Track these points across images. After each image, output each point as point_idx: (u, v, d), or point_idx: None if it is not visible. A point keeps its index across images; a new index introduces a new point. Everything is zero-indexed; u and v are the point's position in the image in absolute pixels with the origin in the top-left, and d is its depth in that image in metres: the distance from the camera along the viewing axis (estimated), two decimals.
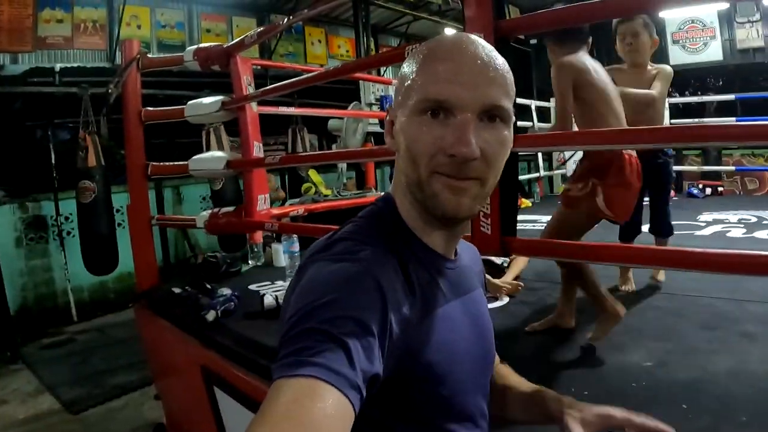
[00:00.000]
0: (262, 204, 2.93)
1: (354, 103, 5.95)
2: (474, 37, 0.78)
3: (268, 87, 2.63)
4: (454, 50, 0.75)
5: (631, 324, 1.72)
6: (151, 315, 2.66)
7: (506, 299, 2.10)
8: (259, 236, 3.49)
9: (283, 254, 2.95)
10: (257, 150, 2.91)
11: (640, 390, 1.31)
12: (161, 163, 3.16)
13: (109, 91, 2.92)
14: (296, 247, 2.81)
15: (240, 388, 1.76)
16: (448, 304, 0.82)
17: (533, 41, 10.41)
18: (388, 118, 0.84)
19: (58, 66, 6.31)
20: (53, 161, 5.96)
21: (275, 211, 3.27)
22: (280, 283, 2.67)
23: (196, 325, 2.14)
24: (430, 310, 0.78)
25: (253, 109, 2.88)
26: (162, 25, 7.11)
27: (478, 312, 0.90)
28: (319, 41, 8.82)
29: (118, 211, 5.87)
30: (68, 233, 6.08)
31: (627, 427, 0.84)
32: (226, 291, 2.42)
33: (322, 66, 7.66)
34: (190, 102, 2.94)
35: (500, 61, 0.76)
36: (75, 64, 6.40)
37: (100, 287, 6.28)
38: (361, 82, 6.33)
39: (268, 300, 2.21)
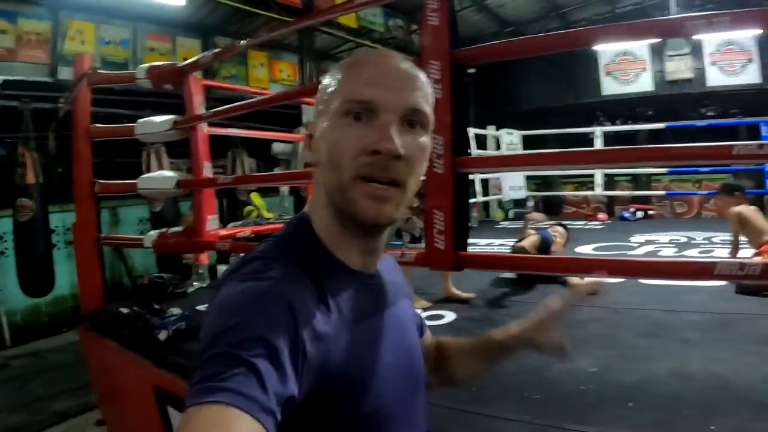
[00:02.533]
0: (212, 224, 2.93)
1: (301, 126, 6.02)
2: (393, 51, 0.83)
3: (220, 108, 2.65)
4: (378, 58, 0.79)
5: (575, 334, 1.82)
6: (96, 336, 2.60)
7: (454, 315, 2.17)
8: (205, 257, 3.46)
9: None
10: (207, 170, 2.91)
11: (589, 393, 1.39)
12: (109, 181, 3.10)
13: (60, 105, 2.87)
14: None
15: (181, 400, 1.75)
16: (368, 320, 0.81)
17: (471, 70, 10.81)
18: (306, 132, 0.84)
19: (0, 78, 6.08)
20: None
21: (223, 231, 3.26)
22: None
23: (148, 345, 2.11)
24: (348, 325, 0.76)
25: (204, 129, 2.89)
26: (106, 41, 6.96)
27: (401, 326, 0.89)
28: (262, 65, 8.82)
29: (53, 231, 5.68)
30: (1, 253, 5.81)
31: (568, 303, 0.94)
32: (176, 311, 2.40)
33: (264, 89, 7.68)
34: (140, 120, 2.92)
35: (421, 72, 0.79)
36: (16, 77, 6.19)
37: (33, 310, 6.02)
38: (303, 106, 6.41)
39: None
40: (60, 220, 6.24)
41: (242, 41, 2.43)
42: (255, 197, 6.78)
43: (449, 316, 2.16)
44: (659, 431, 1.19)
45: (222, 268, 3.09)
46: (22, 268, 5.26)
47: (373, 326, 0.81)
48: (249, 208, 6.69)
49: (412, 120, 0.75)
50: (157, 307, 2.60)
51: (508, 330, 0.98)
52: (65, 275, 5.80)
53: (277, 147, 6.12)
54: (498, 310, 2.23)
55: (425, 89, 0.78)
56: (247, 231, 3.69)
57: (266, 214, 6.52)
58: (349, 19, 8.24)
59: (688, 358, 1.59)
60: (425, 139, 0.78)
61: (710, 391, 1.36)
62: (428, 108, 0.77)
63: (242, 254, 0.81)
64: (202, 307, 2.60)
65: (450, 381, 1.07)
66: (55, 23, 6.48)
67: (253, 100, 2.40)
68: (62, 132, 3.32)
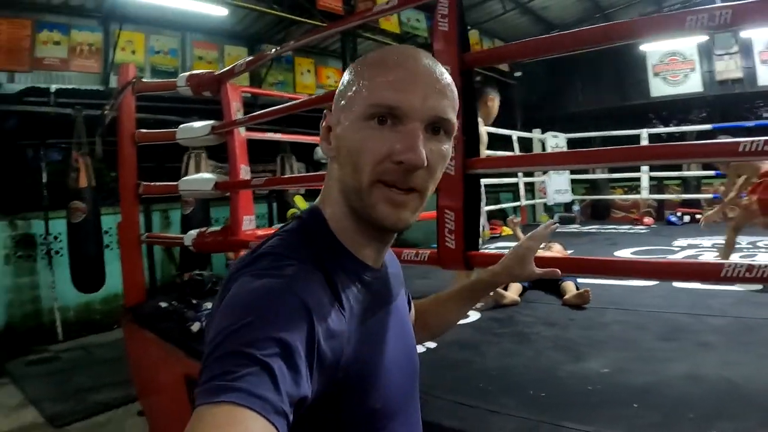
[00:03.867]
0: (248, 224, 3.04)
1: None
2: (422, 50, 0.80)
3: (255, 113, 2.76)
4: (407, 59, 0.76)
5: (594, 336, 1.84)
6: (137, 329, 2.74)
7: (478, 315, 2.21)
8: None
9: None
10: (244, 173, 3.02)
11: (595, 393, 1.40)
12: (152, 183, 3.26)
13: (105, 112, 3.04)
14: None
15: None
16: (377, 316, 0.81)
17: (517, 74, 10.75)
18: (324, 123, 0.83)
19: (53, 87, 6.40)
20: (44, 181, 6.02)
21: (260, 232, 3.37)
22: None
23: (181, 336, 2.22)
24: (361, 323, 0.76)
25: (241, 134, 3.01)
26: (156, 51, 7.26)
27: (402, 320, 0.91)
28: (309, 71, 9.01)
29: (106, 232, 5.95)
30: (57, 252, 6.12)
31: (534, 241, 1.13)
32: (209, 305, 2.50)
33: (310, 95, 7.85)
34: (181, 125, 3.06)
35: (448, 75, 0.78)
36: (70, 86, 6.51)
37: (86, 307, 6.30)
38: None
39: None
40: (112, 221, 6.52)
41: (272, 49, 2.52)
42: (299, 200, 6.93)
43: (473, 315, 2.19)
44: None
45: None
46: (75, 267, 5.52)
47: (381, 322, 0.82)
48: (292, 210, 6.85)
49: (437, 127, 0.75)
50: (194, 301, 2.72)
51: (493, 269, 1.15)
52: (117, 274, 6.05)
53: (320, 151, 6.21)
54: (520, 311, 2.25)
55: (453, 95, 0.77)
56: None
57: None
58: (391, 25, 8.29)
59: (704, 361, 1.58)
60: (448, 147, 0.78)
61: (720, 395, 1.35)
62: (453, 115, 0.77)
63: (252, 248, 0.79)
64: None
65: (431, 336, 1.22)
66: (106, 34, 6.81)
67: (282, 105, 2.48)
68: (109, 138, 3.49)
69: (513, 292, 2.49)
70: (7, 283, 5.83)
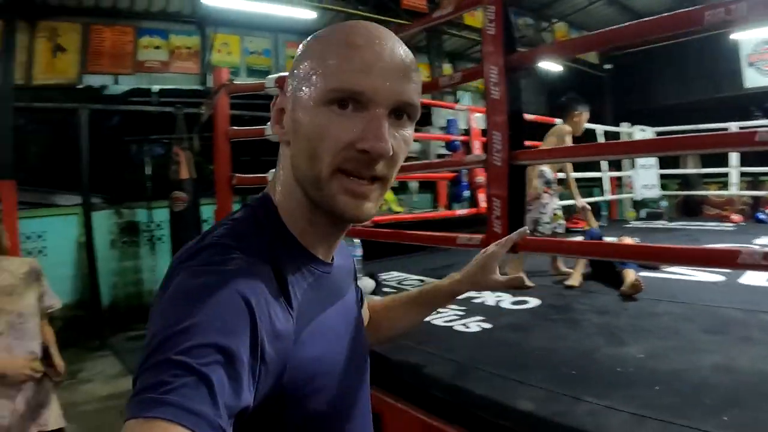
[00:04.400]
0: None
1: (425, 127, 6.27)
2: (386, 29, 0.73)
3: None
4: (372, 40, 0.69)
5: (641, 325, 1.90)
6: None
7: (539, 301, 2.32)
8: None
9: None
10: None
11: (622, 374, 1.47)
12: (244, 175, 3.57)
13: (202, 111, 3.37)
14: (358, 251, 3.06)
15: None
16: (326, 312, 0.77)
17: (607, 66, 10.46)
18: (276, 105, 0.76)
19: (155, 87, 7.03)
20: (147, 173, 6.62)
21: None
22: None
23: None
24: (309, 321, 0.72)
25: None
26: (250, 51, 7.77)
27: (352, 316, 0.87)
28: None
29: (205, 221, 6.43)
30: (159, 239, 6.70)
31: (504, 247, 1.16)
32: None
33: None
34: (269, 123, 3.34)
35: (412, 56, 0.72)
36: (170, 86, 7.10)
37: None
38: (434, 108, 6.68)
39: None
40: (211, 210, 7.01)
41: None
42: (387, 192, 7.19)
43: (533, 301, 2.30)
44: (668, 413, 1.22)
45: None
46: (176, 252, 6.04)
47: (330, 319, 0.78)
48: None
49: (401, 112, 0.70)
50: None
51: (453, 277, 1.17)
52: None
53: None
54: (579, 299, 2.33)
55: (417, 78, 0.72)
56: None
57: (396, 208, 6.90)
58: (476, 21, 8.36)
59: (742, 354, 1.60)
60: (411, 131, 0.74)
61: (747, 386, 1.36)
62: (418, 99, 0.72)
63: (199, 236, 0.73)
64: None
65: (386, 340, 1.18)
66: (202, 37, 7.38)
67: None
68: (206, 133, 3.84)
69: (575, 280, 2.61)
70: (112, 267, 6.47)
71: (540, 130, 3.47)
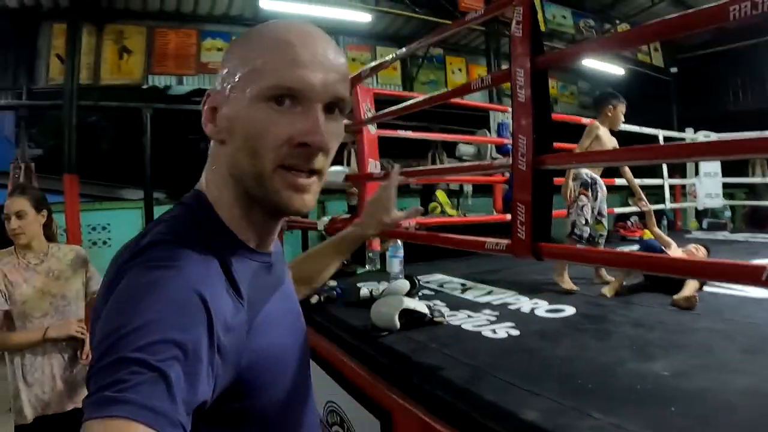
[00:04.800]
0: None
1: (481, 130, 6.21)
2: (316, 26, 0.77)
3: (378, 113, 3.03)
4: (305, 38, 0.72)
5: (675, 341, 1.81)
6: None
7: (573, 310, 2.25)
8: (376, 244, 3.81)
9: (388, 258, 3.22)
10: (373, 167, 3.31)
11: (640, 392, 1.38)
12: None
13: None
14: (400, 252, 3.08)
15: (325, 357, 2.10)
16: (272, 302, 0.78)
17: (674, 69, 9.99)
18: (209, 103, 0.75)
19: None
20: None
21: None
22: (384, 283, 2.94)
23: (302, 305, 2.52)
24: (258, 311, 0.73)
25: (371, 131, 3.29)
26: None
27: (293, 301, 0.91)
28: (460, 69, 9.19)
29: None
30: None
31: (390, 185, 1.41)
32: (332, 283, 2.79)
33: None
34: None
35: (341, 52, 0.77)
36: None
37: None
38: (491, 112, 6.61)
39: (363, 292, 2.54)
40: None
41: (390, 56, 2.75)
42: (440, 195, 7.13)
43: (569, 310, 2.24)
44: None
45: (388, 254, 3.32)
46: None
47: (277, 308, 0.79)
48: (433, 204, 7.08)
49: (333, 106, 0.73)
50: None
51: (358, 221, 1.40)
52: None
53: (462, 148, 6.37)
54: (617, 310, 2.25)
55: (347, 73, 0.76)
56: (412, 223, 4.01)
57: (450, 212, 6.85)
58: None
59: None
60: (342, 125, 0.78)
61: None
62: (348, 93, 0.75)
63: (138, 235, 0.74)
64: (360, 284, 2.85)
65: (308, 290, 1.35)
66: None
67: (403, 104, 2.68)
68: None
69: (609, 290, 2.54)
70: None
71: (576, 131, 3.33)
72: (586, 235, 2.83)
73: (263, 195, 0.72)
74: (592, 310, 2.26)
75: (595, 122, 3.02)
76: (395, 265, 3.01)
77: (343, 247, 1.39)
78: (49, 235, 2.51)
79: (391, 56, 2.73)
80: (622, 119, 3.03)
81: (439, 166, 7.94)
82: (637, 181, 3.29)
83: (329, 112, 0.73)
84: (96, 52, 7.07)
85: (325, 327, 2.20)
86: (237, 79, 0.71)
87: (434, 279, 3.09)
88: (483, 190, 7.04)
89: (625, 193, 6.35)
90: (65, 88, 6.35)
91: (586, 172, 2.88)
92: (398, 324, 1.96)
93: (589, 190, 2.88)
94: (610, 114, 3.00)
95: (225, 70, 0.74)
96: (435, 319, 2.04)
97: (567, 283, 2.64)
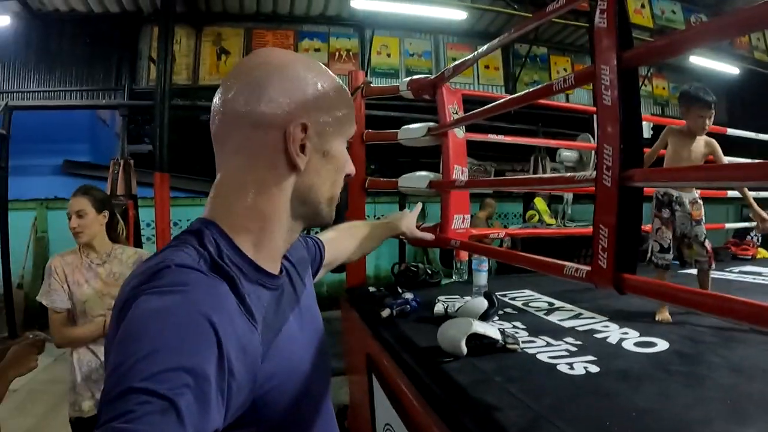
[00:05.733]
0: (459, 223, 3.12)
1: (582, 134, 5.81)
2: None
3: (463, 115, 2.83)
4: (347, 93, 0.90)
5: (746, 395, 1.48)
6: (348, 308, 3.05)
7: (666, 345, 1.94)
8: (464, 254, 3.64)
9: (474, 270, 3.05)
10: (458, 173, 3.12)
11: None
12: (377, 179, 3.57)
13: None
14: (484, 266, 2.89)
15: (386, 376, 1.97)
16: (288, 322, 0.80)
17: None
18: (300, 134, 0.79)
19: None
20: None
21: (474, 231, 3.42)
22: (467, 298, 2.77)
23: (372, 318, 2.41)
24: (274, 334, 0.74)
25: (458, 135, 3.10)
26: (410, 53, 7.86)
27: (311, 315, 0.94)
28: (565, 69, 8.75)
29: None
30: (316, 232, 7.09)
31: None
32: (408, 295, 2.66)
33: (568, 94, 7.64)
34: (403, 127, 3.29)
35: None
36: None
37: (338, 285, 7.15)
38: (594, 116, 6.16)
39: (438, 308, 2.39)
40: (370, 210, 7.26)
41: (471, 55, 2.56)
42: (539, 202, 6.84)
43: (661, 344, 1.92)
44: None
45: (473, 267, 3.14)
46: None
47: (292, 327, 0.81)
48: (531, 212, 6.79)
49: None
50: (399, 290, 2.92)
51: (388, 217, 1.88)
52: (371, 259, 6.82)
53: (563, 153, 6.02)
54: (720, 350, 1.90)
55: None
56: (501, 233, 3.79)
57: (548, 220, 6.52)
58: (644, 19, 7.61)
59: None
60: None
61: None
62: None
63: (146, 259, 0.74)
64: (442, 298, 2.74)
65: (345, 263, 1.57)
66: (362, 40, 7.62)
67: (490, 105, 2.47)
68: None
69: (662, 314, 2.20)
70: None
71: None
72: (664, 263, 2.39)
73: (326, 214, 0.86)
74: (687, 346, 1.93)
75: (669, 127, 2.55)
76: (480, 278, 2.85)
77: (380, 232, 1.75)
78: (114, 237, 2.59)
79: (473, 55, 2.53)
80: (705, 125, 2.45)
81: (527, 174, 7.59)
82: (754, 194, 2.75)
83: None
84: (195, 53, 7.44)
85: (390, 344, 2.07)
86: (332, 118, 0.83)
87: (521, 296, 2.86)
88: (586, 195, 6.61)
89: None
90: (157, 89, 6.71)
91: (660, 189, 2.43)
92: (465, 350, 1.78)
93: (664, 210, 2.42)
94: (698, 115, 2.45)
95: (317, 105, 0.81)
96: (508, 345, 1.83)
97: (662, 313, 2.25)
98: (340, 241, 1.53)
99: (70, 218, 2.47)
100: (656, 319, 2.22)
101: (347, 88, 0.90)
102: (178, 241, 0.76)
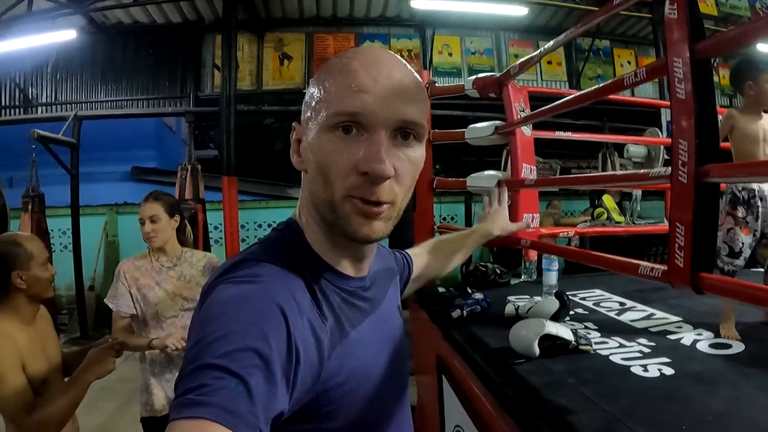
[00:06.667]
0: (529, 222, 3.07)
1: (650, 129, 5.60)
2: (390, 52, 0.76)
3: (529, 113, 2.79)
4: (367, 62, 0.71)
5: None
6: (417, 308, 3.07)
7: (742, 347, 1.83)
8: (533, 254, 3.59)
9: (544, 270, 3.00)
10: (527, 172, 3.07)
11: None
12: (444, 178, 3.57)
13: None
14: (554, 265, 2.84)
15: (457, 378, 1.97)
16: (361, 326, 0.79)
17: None
18: (294, 135, 0.79)
19: None
20: None
21: (544, 230, 3.36)
22: (537, 298, 2.73)
23: (442, 319, 2.42)
24: (343, 335, 0.74)
25: (525, 133, 3.06)
26: (472, 52, 7.77)
27: (389, 322, 0.89)
28: (629, 62, 8.44)
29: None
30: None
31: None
32: (478, 296, 2.65)
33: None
34: (469, 126, 3.27)
35: (415, 75, 0.74)
36: None
37: None
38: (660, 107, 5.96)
39: (508, 308, 2.36)
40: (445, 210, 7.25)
41: (536, 51, 2.51)
42: (607, 200, 6.66)
43: (737, 346, 1.84)
44: None
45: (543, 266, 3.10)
46: (392, 246, 6.40)
47: (365, 333, 0.79)
48: (599, 210, 6.61)
49: (406, 131, 0.72)
50: (469, 290, 2.91)
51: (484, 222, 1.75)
52: None
53: (631, 149, 5.81)
54: None
55: (421, 96, 0.74)
56: (570, 231, 3.71)
57: (617, 218, 6.33)
58: (708, 7, 7.23)
59: None
60: (419, 152, 0.75)
61: None
62: (423, 118, 0.73)
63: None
64: (512, 298, 2.71)
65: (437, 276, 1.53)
66: (422, 40, 7.60)
67: (556, 103, 2.43)
68: None
69: (726, 329, 1.97)
70: None
71: None
72: (731, 269, 2.10)
73: (334, 222, 0.74)
74: (763, 349, 1.81)
75: (729, 111, 2.18)
76: (551, 278, 2.80)
77: (471, 242, 1.63)
78: (183, 241, 2.68)
79: (538, 51, 2.49)
80: None
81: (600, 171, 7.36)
82: None
83: (403, 139, 0.72)
84: (258, 59, 7.66)
85: (461, 345, 2.07)
86: (311, 111, 0.74)
87: (592, 295, 2.78)
88: (654, 192, 6.36)
89: None
90: (222, 95, 6.96)
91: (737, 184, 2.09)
92: (537, 351, 1.76)
93: (740, 207, 2.08)
94: (752, 92, 2.08)
95: (305, 102, 0.77)
96: (580, 347, 1.80)
97: (729, 329, 1.96)
98: (426, 257, 1.45)
99: (143, 224, 2.53)
100: (721, 335, 1.94)
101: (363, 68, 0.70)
102: (265, 237, 0.82)
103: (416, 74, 0.75)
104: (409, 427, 0.92)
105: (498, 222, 1.77)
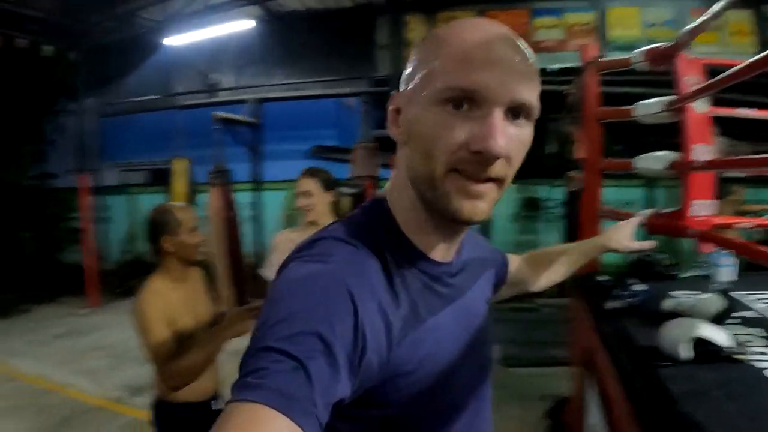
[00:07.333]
0: (700, 209, 2.79)
1: None
2: (504, 26, 0.70)
3: (701, 85, 2.50)
4: (485, 37, 0.66)
5: None
6: (576, 296, 2.97)
7: None
8: (708, 246, 3.27)
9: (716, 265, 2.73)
10: (700, 153, 2.78)
11: None
12: (610, 160, 3.36)
13: (564, 92, 3.28)
14: (727, 260, 2.57)
15: (599, 374, 1.89)
16: (441, 312, 0.75)
17: None
18: (392, 105, 0.76)
19: (553, 66, 7.11)
20: (549, 152, 6.87)
21: (717, 220, 3.02)
22: (700, 296, 2.48)
23: (596, 309, 2.32)
24: (418, 320, 0.71)
25: (696, 110, 2.76)
26: (650, 24, 7.06)
27: (475, 311, 0.84)
28: None
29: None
30: (557, 216, 6.99)
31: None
32: (638, 287, 2.49)
33: None
34: (638, 102, 3.04)
35: (530, 53, 0.69)
36: (568, 65, 7.09)
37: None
38: None
39: (667, 304, 2.20)
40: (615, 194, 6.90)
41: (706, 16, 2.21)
42: None
43: None
44: None
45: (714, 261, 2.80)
46: (569, 231, 6.14)
47: (445, 319, 0.76)
48: None
49: (517, 111, 0.68)
50: (628, 281, 2.75)
51: (605, 234, 1.62)
52: None
53: None
54: None
55: (534, 77, 0.69)
56: (747, 223, 3.29)
57: None
58: None
59: None
60: (529, 132, 0.71)
61: None
62: (536, 99, 0.69)
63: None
64: (677, 293, 2.51)
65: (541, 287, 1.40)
66: (599, 13, 7.03)
67: (732, 70, 2.12)
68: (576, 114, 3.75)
69: None
70: (511, 238, 7.01)
71: None
72: None
73: (434, 199, 0.70)
74: None
75: None
76: (722, 274, 2.58)
77: (577, 255, 1.54)
78: (339, 215, 2.80)
79: (708, 14, 2.15)
80: None
81: None
82: None
83: (513, 118, 0.68)
84: None
85: (608, 340, 1.98)
86: (418, 81, 0.70)
87: (764, 297, 2.44)
88: None
89: None
90: (391, 76, 7.24)
91: None
92: (685, 354, 1.63)
93: None
94: None
95: (407, 71, 0.74)
96: (734, 354, 1.62)
97: None
98: (518, 262, 1.36)
99: (297, 198, 2.68)
100: None
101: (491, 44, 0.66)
102: (350, 215, 0.80)
103: (531, 52, 0.71)
104: (486, 422, 0.87)
105: (616, 236, 1.65)
